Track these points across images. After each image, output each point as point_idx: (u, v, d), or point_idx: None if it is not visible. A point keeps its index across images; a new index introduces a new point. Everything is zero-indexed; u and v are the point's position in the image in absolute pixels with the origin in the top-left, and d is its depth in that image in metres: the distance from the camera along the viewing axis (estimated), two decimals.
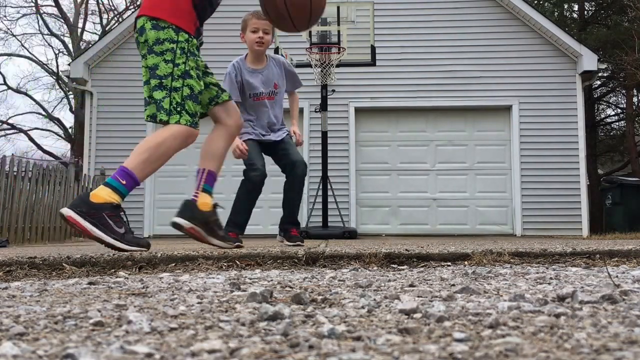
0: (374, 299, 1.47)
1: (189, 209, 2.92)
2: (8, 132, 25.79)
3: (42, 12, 24.56)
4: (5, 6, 29.20)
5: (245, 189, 3.98)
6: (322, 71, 8.17)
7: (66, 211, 2.60)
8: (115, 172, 2.75)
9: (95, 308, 1.33)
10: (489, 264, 2.55)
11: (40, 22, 25.45)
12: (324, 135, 8.51)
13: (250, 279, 2.04)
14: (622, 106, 19.94)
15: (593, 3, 18.84)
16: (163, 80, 2.82)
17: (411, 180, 9.91)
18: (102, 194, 2.66)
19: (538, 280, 1.90)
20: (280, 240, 4.19)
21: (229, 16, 10.11)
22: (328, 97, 8.47)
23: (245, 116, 3.96)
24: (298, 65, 8.56)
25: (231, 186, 9.81)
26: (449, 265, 2.56)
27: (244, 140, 3.93)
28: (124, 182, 2.71)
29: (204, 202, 2.93)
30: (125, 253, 2.70)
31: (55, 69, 24.84)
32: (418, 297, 1.52)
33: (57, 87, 25.26)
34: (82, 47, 21.59)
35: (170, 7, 2.85)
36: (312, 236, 7.78)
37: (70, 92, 23.03)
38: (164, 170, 10.62)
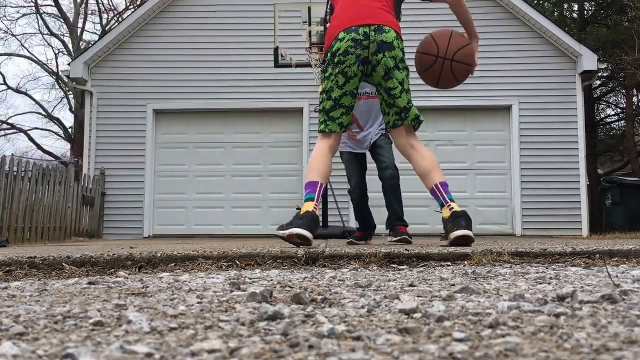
0: (374, 299, 1.47)
1: (469, 220, 2.96)
2: (8, 132, 25.80)
3: (42, 12, 24.58)
4: (5, 6, 29.19)
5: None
6: (322, 71, 8.17)
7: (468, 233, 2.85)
8: (443, 188, 3.05)
9: (95, 308, 1.33)
10: (489, 264, 2.55)
11: (40, 22, 25.47)
12: None
13: (250, 279, 2.04)
14: (622, 106, 19.94)
15: (593, 3, 18.84)
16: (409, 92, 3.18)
17: (411, 180, 9.88)
18: (455, 205, 2.94)
19: (538, 280, 1.90)
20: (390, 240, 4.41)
21: (229, 16, 10.13)
22: None
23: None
24: (298, 66, 8.57)
25: (231, 186, 9.83)
26: (449, 265, 2.56)
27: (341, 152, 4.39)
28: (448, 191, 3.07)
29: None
30: (125, 253, 2.70)
31: (55, 69, 24.84)
32: (418, 297, 1.52)
33: (57, 87, 25.27)
34: (82, 47, 21.58)
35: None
36: None
37: (70, 92, 23.03)
38: (164, 171, 10.64)
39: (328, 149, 3.22)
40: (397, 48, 3.06)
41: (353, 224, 9.47)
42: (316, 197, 3.04)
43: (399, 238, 4.06)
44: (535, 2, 17.62)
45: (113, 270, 2.50)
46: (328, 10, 3.33)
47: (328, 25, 3.27)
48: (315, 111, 8.70)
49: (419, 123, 3.17)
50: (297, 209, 3.65)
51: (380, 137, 4.34)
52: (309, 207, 3.01)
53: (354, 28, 3.04)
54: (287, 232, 2.91)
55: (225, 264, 2.61)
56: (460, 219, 2.89)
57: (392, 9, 3.15)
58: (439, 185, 3.02)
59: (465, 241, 2.85)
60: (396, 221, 4.32)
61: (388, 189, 4.42)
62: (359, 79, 3.11)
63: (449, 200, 2.99)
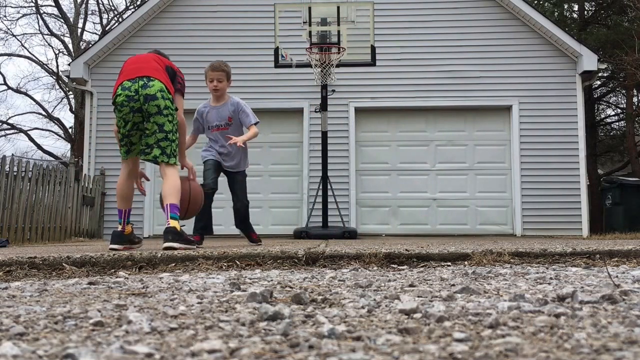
0: (374, 299, 1.47)
1: (176, 234, 3.65)
2: (8, 132, 25.79)
3: (42, 12, 24.57)
4: (5, 6, 29.14)
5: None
6: (322, 71, 8.17)
7: (173, 245, 3.52)
8: (171, 207, 3.78)
9: (95, 308, 1.33)
10: (489, 264, 2.55)
11: (40, 22, 25.48)
12: (324, 135, 8.50)
13: (250, 279, 2.04)
14: (622, 106, 19.94)
15: (593, 3, 18.83)
16: (168, 134, 3.89)
17: (411, 180, 9.91)
18: (177, 225, 3.68)
19: (538, 280, 1.90)
20: None
21: (229, 16, 10.13)
22: (328, 97, 8.47)
23: (208, 143, 4.99)
24: (298, 66, 8.56)
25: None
26: (449, 265, 2.56)
27: (205, 160, 4.90)
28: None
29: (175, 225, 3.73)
30: (125, 253, 2.70)
31: (55, 69, 24.83)
32: (418, 297, 1.52)
33: (57, 87, 25.26)
34: (82, 47, 21.58)
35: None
36: (312, 236, 7.78)
37: (70, 92, 23.03)
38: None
39: (125, 175, 4.02)
40: (159, 98, 3.84)
41: (353, 224, 9.47)
42: (122, 221, 3.96)
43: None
44: (535, 2, 17.62)
45: (113, 270, 2.49)
46: None
47: None
48: (316, 111, 8.70)
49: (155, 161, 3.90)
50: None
51: (237, 176, 4.97)
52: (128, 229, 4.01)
53: (127, 85, 3.89)
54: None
55: (225, 264, 2.61)
56: (168, 234, 3.61)
57: (163, 71, 4.00)
58: (168, 205, 3.77)
59: (170, 250, 3.42)
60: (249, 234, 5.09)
61: (238, 222, 5.06)
62: (134, 122, 3.91)
63: (169, 218, 3.71)
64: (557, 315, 1.18)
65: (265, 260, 2.63)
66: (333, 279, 2.02)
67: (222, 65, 4.83)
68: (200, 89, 10.27)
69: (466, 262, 2.62)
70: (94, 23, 26.09)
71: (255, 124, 4.89)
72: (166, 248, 3.46)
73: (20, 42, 35.18)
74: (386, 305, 1.37)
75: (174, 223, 3.67)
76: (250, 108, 4.95)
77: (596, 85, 17.71)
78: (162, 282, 1.96)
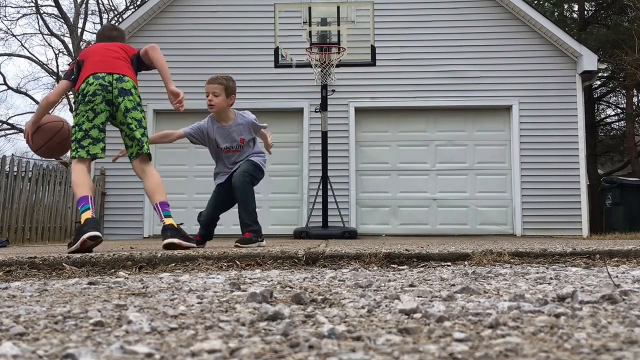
0: (374, 299, 1.47)
1: (175, 230, 3.58)
2: (8, 132, 25.81)
3: (42, 12, 24.58)
4: (5, 6, 29.15)
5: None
6: (322, 71, 8.17)
7: (173, 241, 3.48)
8: (161, 206, 3.74)
9: (95, 308, 1.33)
10: (489, 264, 2.56)
11: (40, 22, 25.48)
12: (324, 135, 8.50)
13: (250, 279, 2.04)
14: (622, 106, 19.94)
15: (593, 3, 18.83)
16: (145, 130, 3.96)
17: (411, 180, 9.91)
18: (173, 222, 3.62)
19: (538, 280, 1.90)
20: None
21: (229, 16, 10.13)
22: (328, 97, 8.47)
23: (217, 163, 4.57)
24: (298, 66, 8.56)
25: None
26: (449, 265, 2.57)
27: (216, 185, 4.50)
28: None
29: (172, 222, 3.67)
30: (125, 253, 2.70)
31: (55, 69, 24.85)
32: (418, 297, 1.52)
33: None
34: (82, 47, 21.58)
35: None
36: (312, 236, 7.77)
37: (70, 93, 23.02)
38: (165, 171, 10.62)
39: (85, 170, 3.79)
40: (134, 94, 3.88)
41: (353, 224, 9.47)
42: (91, 207, 3.58)
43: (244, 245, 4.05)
44: (535, 2, 17.61)
45: (113, 270, 2.50)
46: (75, 70, 3.91)
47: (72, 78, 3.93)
48: (316, 111, 8.70)
49: (149, 154, 3.93)
50: (77, 222, 4.05)
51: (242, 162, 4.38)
52: (87, 215, 3.50)
53: (101, 75, 3.75)
54: (79, 241, 3.29)
55: (225, 264, 2.61)
56: (167, 231, 3.55)
57: (131, 67, 4.02)
58: (158, 204, 3.73)
59: (171, 247, 3.39)
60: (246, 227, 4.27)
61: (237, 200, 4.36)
62: (105, 116, 3.78)
63: (163, 216, 3.67)
64: (557, 315, 1.18)
65: (265, 260, 2.63)
66: (333, 279, 2.02)
67: (220, 77, 4.41)
68: (199, 89, 10.29)
69: (466, 262, 2.62)
70: (94, 23, 26.09)
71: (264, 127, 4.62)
72: (167, 245, 3.42)
73: (20, 42, 35.22)
74: (386, 305, 1.37)
75: (169, 220, 3.62)
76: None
77: (596, 85, 17.71)
78: (162, 282, 1.97)
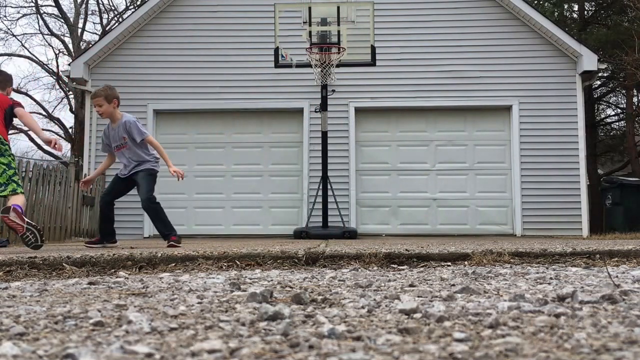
0: (374, 299, 1.47)
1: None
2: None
3: (42, 12, 24.57)
4: (5, 6, 29.12)
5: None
6: (322, 71, 8.17)
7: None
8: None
9: (95, 308, 1.33)
10: (489, 264, 2.56)
11: (40, 22, 25.46)
12: (324, 135, 8.50)
13: (250, 279, 2.04)
14: (622, 106, 19.94)
15: (593, 3, 18.83)
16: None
17: (411, 180, 9.91)
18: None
19: (538, 280, 1.90)
20: None
21: (229, 16, 10.13)
22: (328, 97, 8.47)
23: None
24: (298, 66, 8.56)
25: (231, 186, 9.84)
26: (449, 265, 2.57)
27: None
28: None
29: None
30: (125, 253, 2.70)
31: (55, 69, 24.84)
32: (418, 297, 1.52)
33: (57, 87, 25.28)
34: (82, 47, 21.58)
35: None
36: (312, 236, 7.77)
37: (71, 92, 23.03)
38: (164, 171, 10.59)
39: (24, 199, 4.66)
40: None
41: (353, 224, 9.47)
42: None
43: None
44: (535, 2, 17.61)
45: (113, 270, 2.49)
46: None
47: None
48: (316, 111, 8.70)
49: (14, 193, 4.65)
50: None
51: (139, 172, 5.16)
52: None
53: None
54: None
55: (225, 264, 2.61)
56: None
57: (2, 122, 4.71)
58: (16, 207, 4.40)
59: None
60: (165, 237, 5.00)
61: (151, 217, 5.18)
62: None
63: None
64: (557, 315, 1.18)
65: (265, 260, 2.63)
66: (333, 279, 2.02)
67: (98, 91, 5.00)
68: (199, 89, 10.31)
69: (466, 262, 2.62)
70: (94, 23, 26.13)
71: (144, 138, 5.07)
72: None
73: (21, 42, 35.18)
74: (386, 305, 1.37)
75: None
76: (137, 124, 5.08)
77: (596, 85, 17.71)
78: (162, 282, 1.97)
